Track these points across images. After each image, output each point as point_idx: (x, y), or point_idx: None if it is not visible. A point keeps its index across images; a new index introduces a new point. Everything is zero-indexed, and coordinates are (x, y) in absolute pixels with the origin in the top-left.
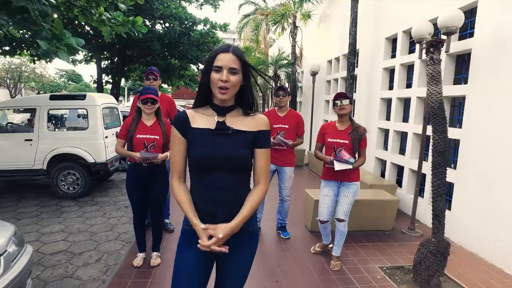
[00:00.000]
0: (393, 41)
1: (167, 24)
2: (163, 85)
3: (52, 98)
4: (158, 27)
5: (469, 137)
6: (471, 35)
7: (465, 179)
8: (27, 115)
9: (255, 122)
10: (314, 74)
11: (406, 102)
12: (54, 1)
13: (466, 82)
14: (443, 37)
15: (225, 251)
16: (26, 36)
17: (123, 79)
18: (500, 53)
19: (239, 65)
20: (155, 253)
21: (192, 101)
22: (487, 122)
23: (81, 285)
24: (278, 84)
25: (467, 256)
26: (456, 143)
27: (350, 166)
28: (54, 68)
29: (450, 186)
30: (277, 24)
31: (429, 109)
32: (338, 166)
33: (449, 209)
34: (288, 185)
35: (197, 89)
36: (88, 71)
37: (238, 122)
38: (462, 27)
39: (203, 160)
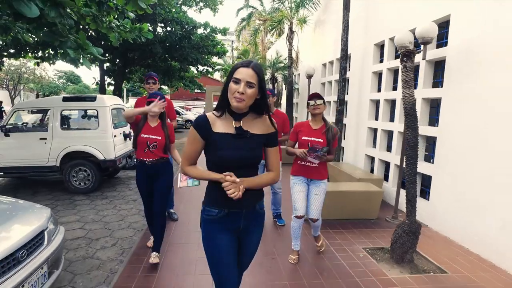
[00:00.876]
0: (381, 47)
1: (168, 28)
2: (162, 86)
3: (64, 99)
4: (159, 30)
5: (444, 135)
6: (446, 44)
7: (441, 172)
8: (38, 116)
9: (266, 125)
10: (309, 76)
11: (392, 103)
12: (74, 15)
13: (442, 86)
14: (425, 44)
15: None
16: (37, 41)
17: (124, 81)
18: (468, 62)
19: (256, 80)
20: (154, 253)
21: (190, 102)
22: (459, 122)
23: (101, 264)
24: (270, 86)
25: (441, 239)
26: (434, 140)
27: (324, 157)
28: (53, 70)
29: (429, 178)
30: (273, 30)
31: (403, 109)
32: (310, 159)
33: (428, 199)
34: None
35: (219, 96)
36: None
37: (252, 126)
38: (440, 36)
39: (227, 160)
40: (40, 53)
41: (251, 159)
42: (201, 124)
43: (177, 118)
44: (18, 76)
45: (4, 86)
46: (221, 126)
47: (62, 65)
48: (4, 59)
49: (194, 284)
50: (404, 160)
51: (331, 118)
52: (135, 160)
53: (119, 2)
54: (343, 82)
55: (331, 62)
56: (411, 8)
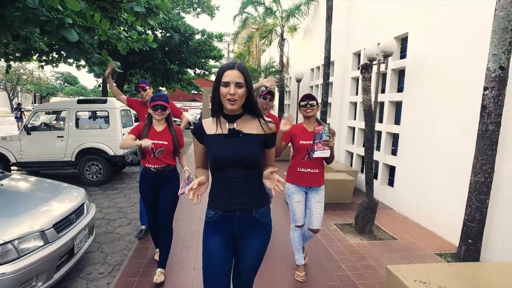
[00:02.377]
0: (358, 55)
1: (168, 34)
2: (161, 88)
3: (79, 102)
4: (159, 35)
5: (404, 132)
6: (406, 56)
7: (402, 163)
8: (53, 117)
9: (265, 126)
10: (298, 80)
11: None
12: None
13: (403, 91)
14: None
15: None
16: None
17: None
18: (419, 73)
19: (243, 79)
20: (159, 269)
21: (188, 103)
22: (414, 121)
23: (120, 237)
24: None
25: (401, 218)
26: (397, 136)
27: (328, 153)
28: (50, 71)
29: (393, 169)
30: (264, 39)
31: (363, 110)
32: (318, 154)
33: (393, 186)
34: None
35: (210, 102)
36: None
37: (247, 127)
38: (404, 49)
39: (219, 159)
40: (44, 57)
41: (245, 158)
42: (196, 129)
43: (175, 119)
44: (17, 78)
45: (2, 87)
46: (215, 128)
47: (60, 66)
48: (11, 62)
49: None
50: (364, 151)
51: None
52: (140, 167)
53: (129, 18)
54: (326, 86)
55: (318, 67)
56: (378, 24)
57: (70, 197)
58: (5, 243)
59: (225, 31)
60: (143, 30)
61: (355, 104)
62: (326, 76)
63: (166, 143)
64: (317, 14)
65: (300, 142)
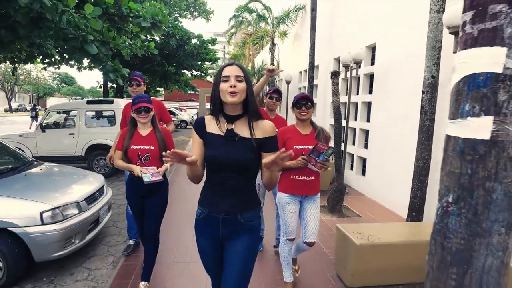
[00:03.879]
0: (339, 61)
1: (164, 37)
2: (159, 88)
3: (88, 102)
4: (157, 38)
5: (373, 128)
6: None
7: (372, 156)
8: (65, 116)
9: (262, 128)
10: (288, 82)
11: (345, 105)
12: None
13: (372, 93)
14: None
15: None
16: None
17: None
18: (384, 77)
19: (243, 74)
20: (143, 282)
21: (184, 103)
22: (380, 119)
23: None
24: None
25: (369, 202)
26: (368, 132)
27: (328, 163)
28: (47, 71)
29: (365, 160)
30: (256, 45)
31: (332, 110)
32: (309, 166)
33: (365, 176)
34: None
35: (209, 101)
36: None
37: (245, 130)
38: (374, 57)
39: (213, 161)
40: (46, 59)
41: (237, 163)
42: (198, 123)
43: (172, 119)
44: (15, 78)
45: (0, 87)
46: (215, 127)
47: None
48: (16, 64)
49: None
50: (333, 144)
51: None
52: (126, 172)
53: (134, 29)
54: (311, 88)
55: (306, 70)
56: (354, 34)
57: (94, 180)
58: (54, 208)
59: (221, 31)
60: (145, 38)
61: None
62: (311, 79)
63: (153, 148)
64: (305, 21)
65: (295, 147)
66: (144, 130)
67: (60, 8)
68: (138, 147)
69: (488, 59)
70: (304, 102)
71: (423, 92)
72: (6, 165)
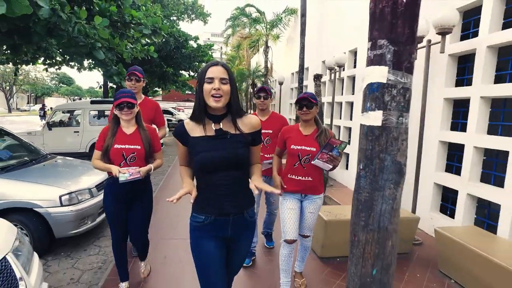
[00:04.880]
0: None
1: (164, 40)
2: (157, 88)
3: (92, 102)
4: (156, 40)
5: (355, 126)
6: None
7: (354, 151)
8: (67, 115)
9: (248, 124)
10: (280, 83)
11: (327, 104)
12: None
13: (354, 94)
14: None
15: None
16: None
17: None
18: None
19: (227, 75)
20: (142, 262)
21: (182, 103)
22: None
23: None
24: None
25: (351, 192)
26: (350, 129)
27: (328, 167)
28: (45, 72)
29: (348, 155)
30: (252, 48)
31: None
32: (318, 163)
33: (347, 169)
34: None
35: (194, 102)
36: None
37: (232, 127)
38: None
39: (207, 163)
40: (48, 61)
41: (234, 160)
42: (179, 131)
43: (170, 118)
44: (14, 78)
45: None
46: (199, 130)
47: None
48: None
49: None
50: None
51: (292, 116)
52: (104, 181)
53: (136, 35)
54: (300, 89)
55: (297, 72)
56: (337, 39)
57: (97, 174)
58: (71, 192)
59: (218, 31)
60: (146, 42)
61: (322, 104)
62: (300, 80)
63: (139, 147)
64: (297, 26)
65: (292, 146)
66: (128, 129)
67: (73, 20)
68: (123, 146)
69: (378, 74)
70: (305, 102)
71: None
72: (26, 157)
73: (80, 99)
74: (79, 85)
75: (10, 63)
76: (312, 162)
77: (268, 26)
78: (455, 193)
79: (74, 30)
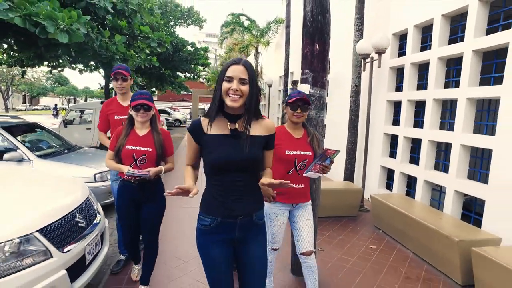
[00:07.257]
0: None
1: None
2: (154, 89)
3: (102, 103)
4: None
5: (329, 123)
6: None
7: (326, 143)
8: (83, 114)
9: (265, 127)
10: (269, 85)
11: None
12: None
13: (328, 96)
14: None
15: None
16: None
17: None
18: (335, 85)
19: (247, 76)
20: (142, 286)
21: (178, 103)
22: (335, 117)
23: None
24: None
25: (326, 178)
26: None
27: (318, 176)
28: (41, 71)
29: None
30: (242, 52)
31: None
32: (310, 174)
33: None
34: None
35: (212, 99)
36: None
37: (248, 128)
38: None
39: (220, 163)
40: (52, 63)
41: (248, 162)
42: (194, 127)
43: (166, 118)
44: (11, 79)
45: None
46: (215, 128)
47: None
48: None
49: None
50: None
51: (277, 117)
52: (119, 178)
53: (142, 46)
54: (286, 91)
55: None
56: None
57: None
58: (102, 172)
59: (213, 32)
60: (149, 52)
61: None
62: (285, 83)
63: (150, 149)
64: (284, 33)
65: (286, 152)
66: (141, 130)
67: (100, 39)
68: (134, 147)
69: (305, 88)
70: (301, 103)
71: (351, 96)
72: (61, 147)
73: (75, 99)
74: (74, 85)
75: (17, 65)
76: (304, 174)
77: (258, 34)
78: (393, 172)
79: (98, 46)
